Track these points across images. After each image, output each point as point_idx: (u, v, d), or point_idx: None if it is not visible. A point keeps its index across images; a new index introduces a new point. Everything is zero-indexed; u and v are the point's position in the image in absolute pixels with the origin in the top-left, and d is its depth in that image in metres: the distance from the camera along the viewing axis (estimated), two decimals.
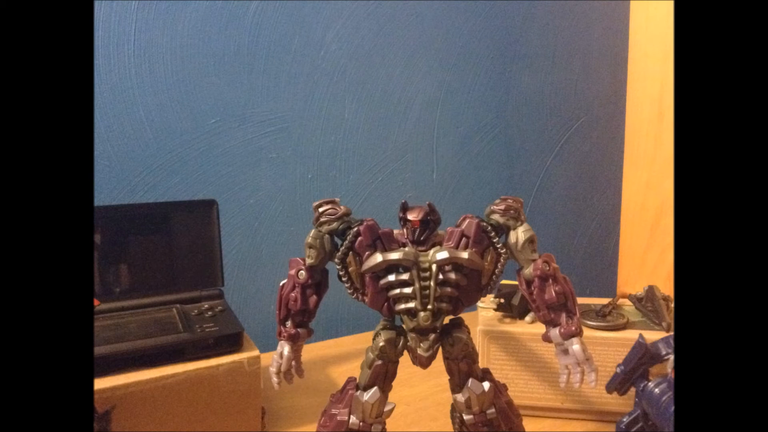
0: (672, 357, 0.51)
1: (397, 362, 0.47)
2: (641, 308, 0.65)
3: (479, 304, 0.65)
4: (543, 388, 0.63)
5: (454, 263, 0.44)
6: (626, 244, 0.85)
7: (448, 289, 0.44)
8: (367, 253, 0.45)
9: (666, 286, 0.72)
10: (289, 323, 0.48)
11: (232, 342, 0.59)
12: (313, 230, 0.47)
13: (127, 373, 0.54)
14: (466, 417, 0.46)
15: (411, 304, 0.44)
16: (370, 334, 0.48)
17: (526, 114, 1.08)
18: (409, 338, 0.45)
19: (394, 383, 0.48)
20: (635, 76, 0.82)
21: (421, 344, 0.45)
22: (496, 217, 0.46)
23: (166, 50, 0.82)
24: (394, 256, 0.44)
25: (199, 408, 0.57)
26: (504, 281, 0.64)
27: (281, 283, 0.48)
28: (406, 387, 0.70)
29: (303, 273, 0.47)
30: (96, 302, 0.63)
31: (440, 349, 0.46)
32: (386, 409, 0.46)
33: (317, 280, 0.48)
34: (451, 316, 0.46)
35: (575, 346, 0.44)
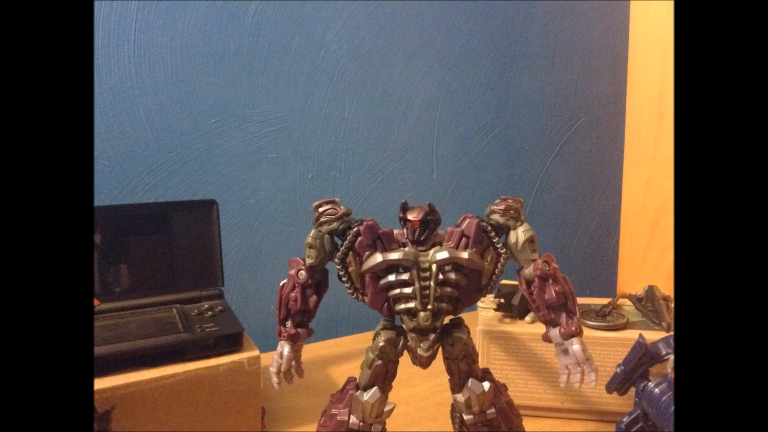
0: (672, 357, 0.51)
1: (397, 362, 0.47)
2: (641, 308, 0.65)
3: (479, 304, 0.65)
4: (543, 388, 0.63)
5: (454, 263, 0.44)
6: (626, 244, 0.85)
7: (448, 289, 0.44)
8: (367, 253, 0.45)
9: (666, 286, 0.72)
10: (289, 323, 0.48)
11: (232, 342, 0.59)
12: (313, 230, 0.47)
13: (127, 373, 0.54)
14: (466, 417, 0.46)
15: (411, 304, 0.44)
16: (370, 334, 0.48)
17: (526, 114, 1.08)
18: (409, 338, 0.45)
19: (394, 383, 0.48)
20: (635, 76, 0.82)
21: (421, 344, 0.45)
22: (496, 217, 0.46)
23: (166, 50, 0.82)
24: (394, 256, 0.44)
25: (199, 408, 0.57)
26: (504, 281, 0.64)
27: (281, 283, 0.48)
28: (406, 387, 0.70)
29: (303, 273, 0.47)
30: (96, 302, 0.63)
31: (440, 349, 0.46)
32: (386, 409, 0.46)
33: (317, 280, 0.48)
34: (451, 316, 0.46)
35: (575, 346, 0.44)
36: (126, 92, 0.81)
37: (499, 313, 0.65)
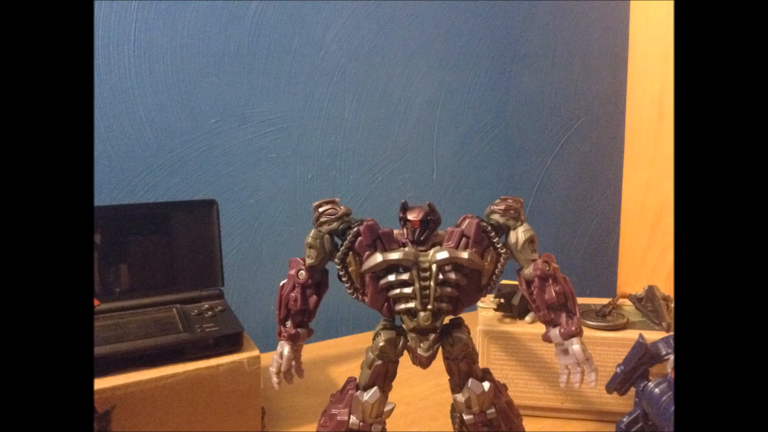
0: (672, 357, 0.51)
1: (397, 362, 0.47)
2: (641, 308, 0.65)
3: (479, 304, 0.65)
4: (543, 388, 0.63)
5: (454, 263, 0.44)
6: (626, 244, 0.85)
7: (448, 289, 0.44)
8: (367, 253, 0.45)
9: (666, 286, 0.72)
10: (289, 323, 0.48)
11: (232, 342, 0.59)
12: (313, 230, 0.47)
13: (127, 373, 0.54)
14: (466, 417, 0.46)
15: (411, 304, 0.44)
16: (370, 334, 0.48)
17: (526, 114, 1.08)
18: (409, 338, 0.45)
19: (394, 383, 0.48)
20: (635, 76, 0.82)
21: (421, 344, 0.45)
22: (496, 217, 0.46)
23: (166, 50, 0.82)
24: (394, 256, 0.44)
25: (199, 408, 0.57)
26: (504, 281, 0.64)
27: (281, 283, 0.48)
28: (406, 387, 0.70)
29: (303, 273, 0.47)
30: (96, 302, 0.63)
31: (440, 349, 0.46)
32: (386, 409, 0.46)
33: (317, 280, 0.48)
34: (451, 316, 0.46)
35: (575, 346, 0.44)
36: (126, 92, 0.81)
37: (499, 313, 0.65)
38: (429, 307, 0.44)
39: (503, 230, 0.46)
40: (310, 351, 0.81)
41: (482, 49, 1.02)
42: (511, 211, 0.46)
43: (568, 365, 0.45)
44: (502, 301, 0.64)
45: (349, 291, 0.46)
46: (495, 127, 1.06)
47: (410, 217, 0.45)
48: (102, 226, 0.66)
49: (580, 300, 0.63)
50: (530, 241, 0.45)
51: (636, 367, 0.52)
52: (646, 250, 0.82)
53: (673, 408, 0.48)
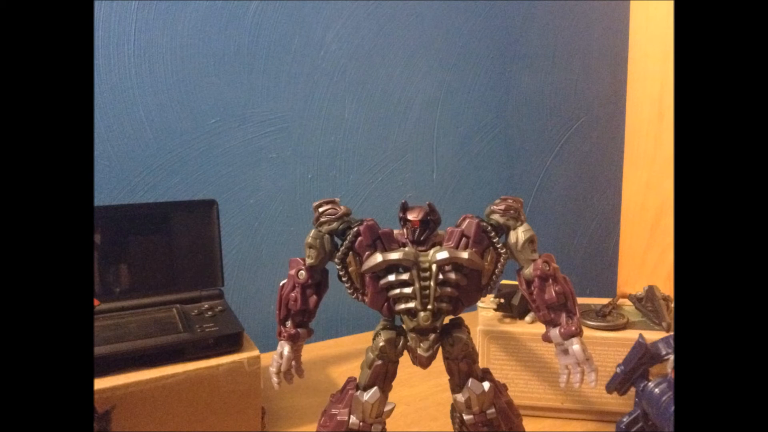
0: (672, 357, 0.51)
1: (397, 362, 0.47)
2: (641, 308, 0.65)
3: (479, 304, 0.65)
4: (543, 388, 0.63)
5: (454, 263, 0.44)
6: (626, 244, 0.85)
7: (448, 289, 0.44)
8: (367, 253, 0.45)
9: (666, 286, 0.72)
10: (289, 323, 0.48)
11: (232, 342, 0.59)
12: (313, 230, 0.47)
13: (127, 373, 0.54)
14: (466, 417, 0.46)
15: (411, 304, 0.44)
16: (370, 334, 0.48)
17: (526, 114, 1.08)
18: (409, 338, 0.45)
19: (394, 383, 0.48)
20: (635, 76, 0.82)
21: (421, 344, 0.45)
22: (496, 217, 0.46)
23: (166, 50, 0.82)
24: (394, 256, 0.44)
25: (199, 408, 0.57)
26: (504, 281, 0.64)
27: (281, 283, 0.48)
28: (406, 387, 0.70)
29: (303, 273, 0.47)
30: (96, 302, 0.63)
31: (440, 349, 0.46)
32: (386, 409, 0.46)
33: (317, 280, 0.48)
34: (451, 316, 0.46)
35: (575, 346, 0.44)
36: (126, 92, 0.81)
37: (499, 313, 0.65)
38: (429, 307, 0.44)
39: (503, 230, 0.46)
40: (310, 351, 0.81)
41: (482, 49, 1.02)
42: (511, 211, 0.46)
43: (568, 365, 0.45)
44: (502, 301, 0.64)
45: (349, 291, 0.46)
46: (495, 127, 1.06)
47: (410, 217, 0.45)
48: (102, 226, 0.66)
49: (580, 300, 0.63)
50: (530, 241, 0.45)
51: (636, 367, 0.52)
52: (646, 250, 0.82)
53: (673, 408, 0.48)
